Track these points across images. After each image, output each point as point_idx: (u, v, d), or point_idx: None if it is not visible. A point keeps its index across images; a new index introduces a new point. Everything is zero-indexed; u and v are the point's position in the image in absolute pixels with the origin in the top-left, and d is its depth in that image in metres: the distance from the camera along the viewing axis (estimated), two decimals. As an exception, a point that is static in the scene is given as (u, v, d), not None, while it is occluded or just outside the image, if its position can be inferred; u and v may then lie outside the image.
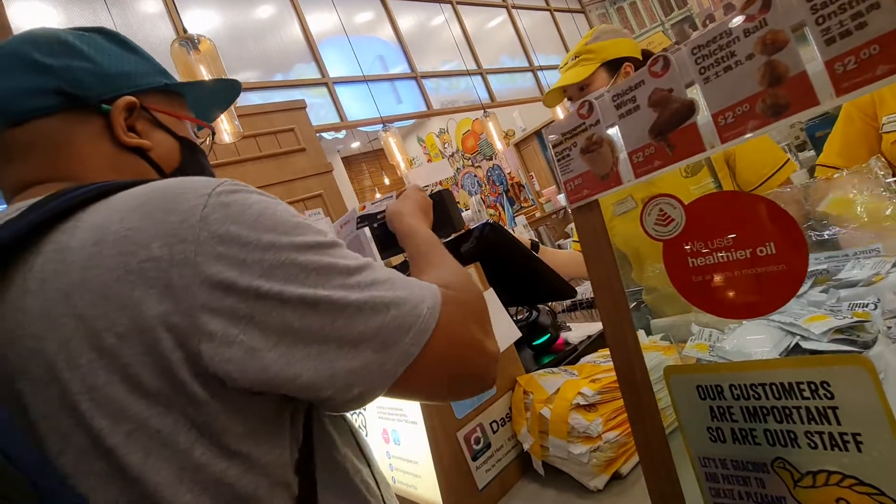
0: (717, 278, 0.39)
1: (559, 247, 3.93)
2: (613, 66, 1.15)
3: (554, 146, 0.48)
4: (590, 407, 0.74)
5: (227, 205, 0.37)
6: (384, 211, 0.79)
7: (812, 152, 1.83)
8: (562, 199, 5.19)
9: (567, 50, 5.72)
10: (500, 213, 7.86)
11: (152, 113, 0.52)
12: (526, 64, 5.12)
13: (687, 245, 0.41)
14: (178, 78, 1.75)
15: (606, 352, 0.95)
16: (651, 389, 0.43)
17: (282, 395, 0.39)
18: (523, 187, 7.48)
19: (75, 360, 0.34)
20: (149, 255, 0.35)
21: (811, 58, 0.31)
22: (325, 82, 3.42)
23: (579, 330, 1.14)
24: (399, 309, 0.40)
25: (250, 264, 0.36)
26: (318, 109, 3.40)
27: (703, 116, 0.37)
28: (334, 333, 0.37)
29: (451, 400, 0.71)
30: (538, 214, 6.09)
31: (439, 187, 8.89)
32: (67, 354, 0.34)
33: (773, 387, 0.36)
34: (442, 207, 0.97)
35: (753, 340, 0.41)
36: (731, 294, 0.38)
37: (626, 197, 1.31)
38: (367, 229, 1.12)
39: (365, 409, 1.02)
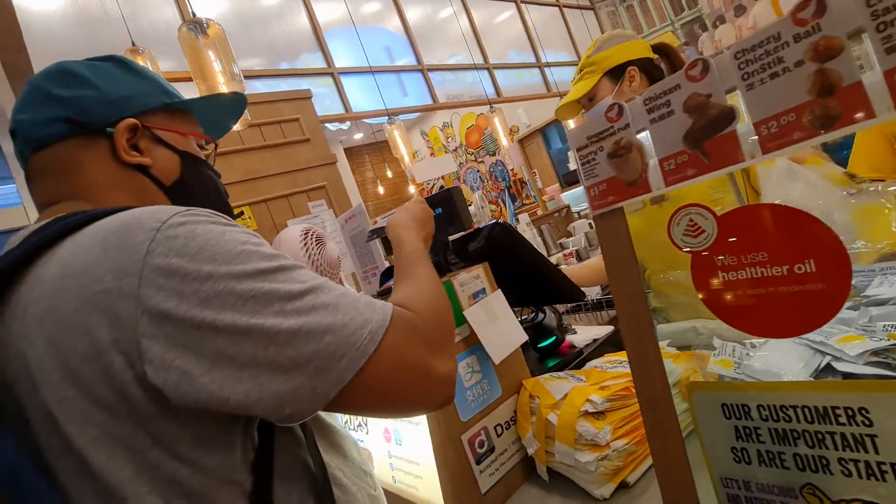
0: (750, 294, 0.37)
1: (561, 245, 3.91)
2: (617, 72, 1.18)
3: (578, 150, 0.47)
4: (598, 414, 0.73)
5: (172, 238, 0.41)
6: None
7: (849, 150, 1.80)
8: (565, 197, 5.16)
9: (575, 47, 5.68)
10: (501, 209, 7.83)
11: (153, 131, 0.57)
12: (533, 60, 5.07)
13: (718, 258, 0.39)
14: (187, 66, 1.72)
15: (613, 357, 0.94)
16: (672, 406, 0.42)
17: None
18: (526, 184, 7.44)
19: (48, 375, 0.39)
20: (101, 287, 0.39)
21: (868, 67, 0.29)
22: (331, 72, 3.38)
23: (585, 333, 1.12)
24: (335, 335, 0.42)
25: (187, 295, 0.39)
26: (323, 99, 3.37)
27: (744, 125, 0.35)
28: (266, 359, 0.40)
29: (401, 416, 0.74)
30: (540, 212, 6.07)
31: (441, 182, 8.82)
32: (42, 371, 0.39)
33: (806, 410, 0.35)
34: (450, 204, 0.95)
35: (783, 359, 0.40)
36: (764, 311, 0.37)
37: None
38: (370, 226, 1.11)
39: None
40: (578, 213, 4.81)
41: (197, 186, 0.61)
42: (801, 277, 0.34)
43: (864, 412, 0.32)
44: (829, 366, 0.39)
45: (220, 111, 0.70)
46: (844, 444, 0.33)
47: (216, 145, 0.67)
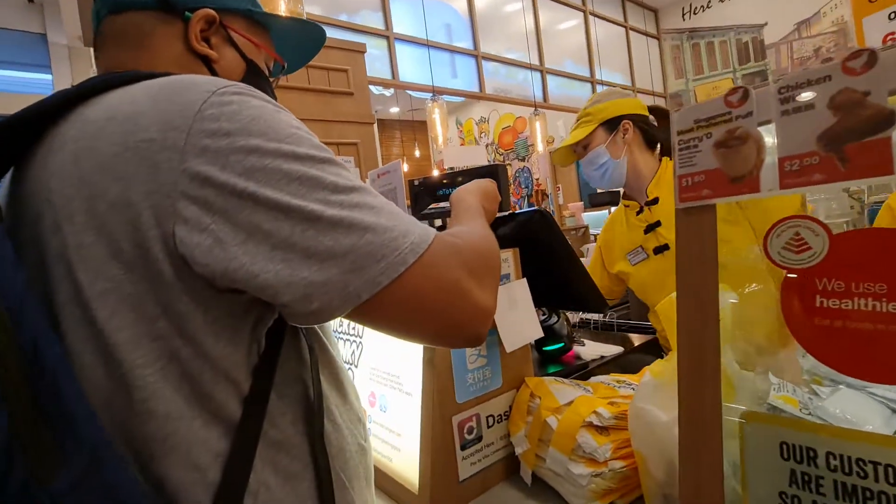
0: (854, 328, 0.33)
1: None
2: (612, 124, 1.26)
3: (679, 132, 0.42)
4: (603, 430, 0.68)
5: (226, 103, 0.39)
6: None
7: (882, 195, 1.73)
8: (586, 217, 5.09)
9: (632, 71, 5.59)
10: (518, 215, 7.76)
11: (229, 31, 0.56)
12: (588, 74, 4.99)
13: (820, 281, 0.34)
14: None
15: (621, 377, 0.89)
16: (720, 431, 0.38)
17: (250, 298, 0.40)
18: (547, 196, 7.37)
19: (72, 216, 0.38)
20: (146, 136, 0.37)
21: None
22: (388, 35, 3.32)
23: (594, 348, 1.08)
24: (376, 235, 0.40)
25: (232, 162, 0.37)
26: (374, 61, 3.31)
27: (903, 133, 0.30)
28: (302, 243, 0.38)
29: (430, 344, 0.68)
30: (556, 227, 6.00)
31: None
32: (68, 211, 0.38)
33: (891, 469, 0.30)
34: (495, 181, 0.90)
35: (857, 410, 0.36)
36: (868, 351, 0.32)
37: (638, 247, 1.28)
38: (404, 186, 1.06)
39: (356, 366, 0.97)
40: (595, 235, 4.74)
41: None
42: (926, 320, 0.30)
43: (966, 486, 0.28)
44: (911, 430, 0.34)
45: (297, 40, 0.69)
46: (930, 517, 0.29)
47: (284, 68, 0.67)
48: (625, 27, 5.45)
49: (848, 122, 0.32)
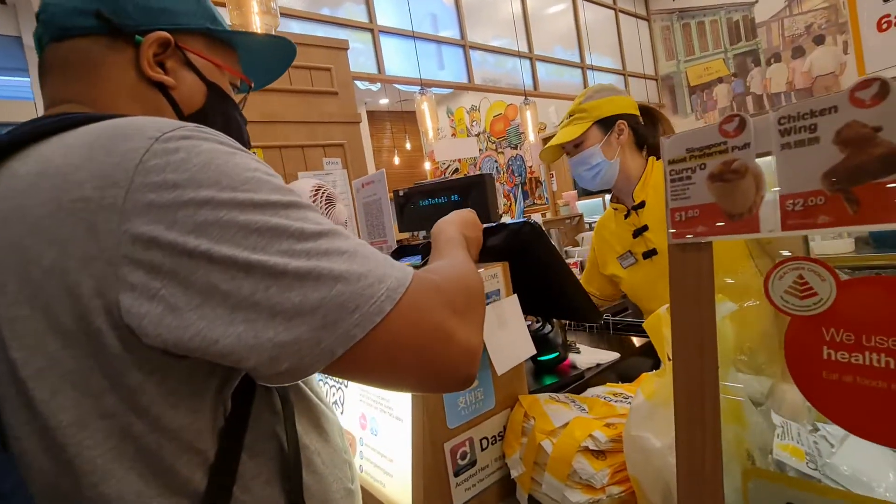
0: (863, 385, 0.30)
1: (566, 253, 3.83)
2: (607, 123, 1.20)
3: (671, 162, 0.38)
4: (599, 454, 0.66)
5: (171, 151, 0.35)
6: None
7: None
8: (580, 206, 5.07)
9: (622, 55, 5.50)
10: (511, 203, 7.73)
11: (186, 53, 0.52)
12: (578, 59, 4.92)
13: (827, 331, 0.31)
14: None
15: (618, 389, 0.87)
16: (721, 491, 0.35)
17: (211, 363, 0.37)
18: (541, 184, 7.33)
19: (4, 286, 0.34)
20: (81, 194, 0.34)
21: None
22: (372, 28, 3.24)
23: (589, 355, 1.06)
24: (349, 285, 0.36)
25: (181, 218, 0.34)
26: (358, 55, 3.23)
27: (917, 176, 0.27)
28: (265, 301, 0.34)
29: (417, 391, 0.66)
30: (549, 215, 5.98)
31: (457, 164, 8.71)
32: (1, 278, 0.34)
33: (907, 543, 0.28)
34: (480, 192, 0.87)
35: (868, 461, 0.33)
36: (878, 410, 0.29)
37: (627, 251, 1.25)
38: (390, 200, 1.02)
39: (346, 387, 0.95)
40: (590, 224, 4.72)
41: (218, 124, 0.55)
42: (946, 382, 0.27)
43: None
44: (927, 486, 0.32)
45: (265, 55, 0.64)
46: None
47: (251, 87, 0.62)
48: (614, 9, 5.35)
49: (857, 159, 0.29)
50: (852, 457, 0.34)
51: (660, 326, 0.61)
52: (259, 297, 0.34)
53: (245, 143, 0.60)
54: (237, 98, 0.60)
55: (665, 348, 0.60)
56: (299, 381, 0.50)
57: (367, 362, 0.38)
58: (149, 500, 0.35)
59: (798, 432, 0.39)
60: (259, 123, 1.85)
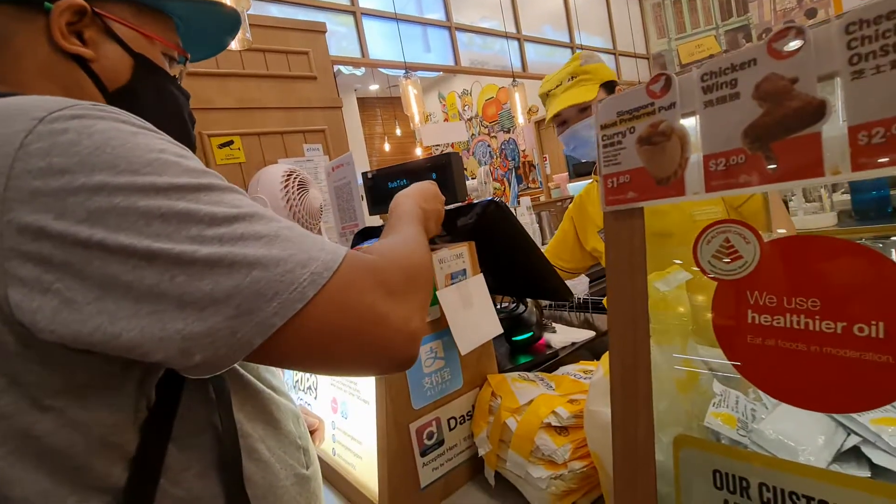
0: (785, 348, 0.29)
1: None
2: (609, 87, 1.14)
3: (603, 127, 0.37)
4: (561, 430, 0.66)
5: (59, 132, 0.32)
6: None
7: (847, 196, 1.72)
8: (571, 188, 5.04)
9: (613, 35, 5.42)
10: (505, 188, 7.70)
11: (106, 21, 0.47)
12: (567, 39, 4.84)
13: (751, 294, 0.31)
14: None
15: (587, 365, 0.87)
16: (653, 459, 0.35)
17: None
18: (534, 167, 7.29)
19: None
20: None
21: None
22: (353, 11, 3.17)
23: (564, 334, 1.05)
24: (266, 271, 0.34)
25: (71, 206, 0.31)
26: (340, 39, 3.17)
27: (834, 128, 0.26)
28: (173, 291, 0.32)
29: (355, 375, 0.63)
30: (542, 198, 5.95)
31: (450, 149, 8.69)
32: None
33: (823, 505, 0.27)
34: (446, 171, 0.86)
35: (799, 429, 0.33)
36: (798, 374, 0.29)
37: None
38: (360, 181, 1.01)
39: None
40: (581, 206, 4.70)
41: (150, 100, 0.51)
42: (861, 342, 0.26)
43: (903, 529, 0.25)
44: (855, 448, 0.31)
45: (205, 23, 0.59)
46: (865, 560, 0.26)
47: (186, 60, 0.57)
48: (604, -13, 5.26)
49: (775, 114, 0.28)
50: (783, 422, 0.34)
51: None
52: (165, 287, 0.32)
53: (186, 121, 0.56)
54: (174, 71, 0.55)
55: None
56: (239, 368, 0.48)
57: (292, 351, 0.36)
58: (63, 499, 0.33)
59: (736, 400, 0.38)
60: (235, 110, 1.82)
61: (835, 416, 0.34)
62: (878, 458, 0.29)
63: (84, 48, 0.45)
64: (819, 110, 0.26)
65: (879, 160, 0.24)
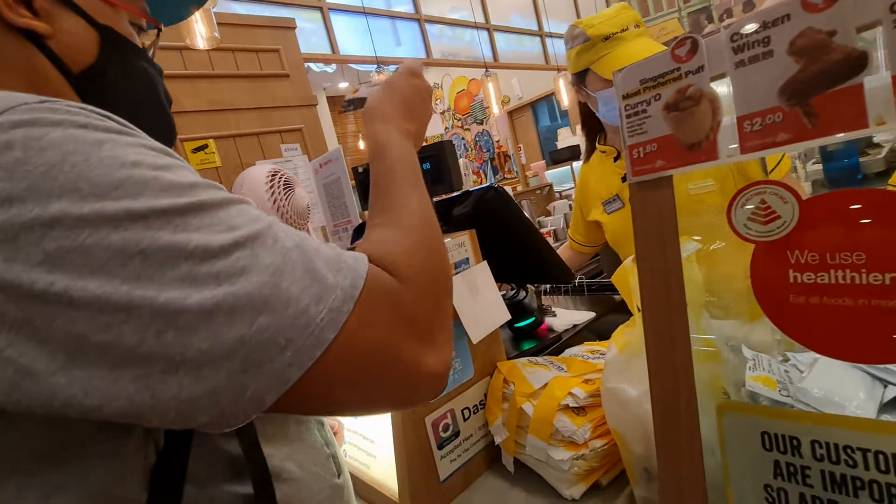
0: (830, 304, 0.29)
1: (539, 224, 3.85)
2: None
3: (625, 97, 0.37)
4: (579, 410, 0.66)
5: (4, 147, 0.24)
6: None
7: (818, 166, 1.78)
8: (549, 175, 5.09)
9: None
10: (482, 180, 7.71)
11: None
12: (536, 27, 4.86)
13: (792, 254, 0.30)
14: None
15: (595, 346, 0.87)
16: (697, 427, 0.34)
17: None
18: (510, 157, 7.33)
19: None
20: None
21: None
22: (320, 6, 3.10)
23: (565, 317, 1.06)
24: (275, 315, 0.27)
25: (24, 245, 0.24)
26: (309, 36, 3.09)
27: (876, 77, 0.26)
28: (161, 351, 0.25)
29: (371, 414, 0.57)
30: (520, 188, 5.99)
31: (423, 143, 8.66)
32: None
33: (881, 456, 0.28)
34: (441, 160, 0.84)
35: (839, 385, 0.33)
36: (844, 328, 0.29)
37: (615, 195, 1.23)
38: (348, 177, 0.98)
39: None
40: (560, 193, 4.75)
41: (122, 82, 0.44)
42: (911, 291, 0.26)
43: (964, 471, 0.25)
44: (894, 399, 0.32)
45: None
46: (926, 504, 0.26)
47: (160, 31, 0.50)
48: (568, -26, 5.29)
49: (813, 68, 0.28)
50: (822, 380, 0.34)
51: (627, 278, 0.60)
52: (150, 347, 0.25)
53: (163, 101, 0.49)
54: (145, 42, 0.47)
55: (634, 299, 0.60)
56: None
57: (311, 401, 0.30)
58: None
59: (769, 363, 0.39)
60: (208, 112, 1.76)
61: (871, 370, 0.34)
62: (924, 405, 0.30)
63: (36, 21, 0.37)
64: (860, 61, 0.26)
65: (928, 106, 0.24)
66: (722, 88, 0.32)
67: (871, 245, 0.28)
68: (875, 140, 1.79)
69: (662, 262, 0.36)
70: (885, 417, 0.31)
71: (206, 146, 1.77)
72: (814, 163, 1.86)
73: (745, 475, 0.33)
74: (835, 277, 0.29)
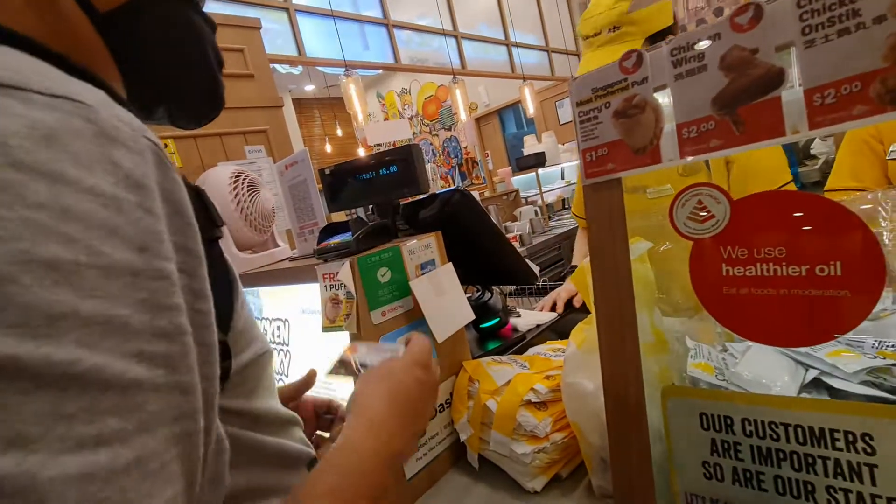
0: (756, 295, 0.32)
1: (506, 229, 3.91)
2: (658, 37, 0.90)
3: (579, 104, 0.39)
4: (541, 405, 0.68)
5: None
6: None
7: (796, 168, 1.91)
8: (515, 181, 5.18)
9: (545, 32, 5.63)
10: (449, 185, 7.77)
11: None
12: (502, 37, 4.96)
13: (724, 249, 0.34)
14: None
15: (557, 345, 0.90)
16: (644, 412, 0.37)
17: None
18: (477, 163, 7.42)
19: None
20: None
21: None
22: (287, 7, 3.06)
23: (529, 317, 1.09)
24: None
25: None
26: (274, 37, 3.04)
27: (791, 92, 0.29)
28: None
29: None
30: (488, 193, 6.08)
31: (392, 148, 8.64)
32: None
33: (799, 429, 0.31)
34: (408, 164, 0.85)
35: (768, 369, 0.36)
36: (768, 315, 0.32)
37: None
38: (314, 177, 0.98)
39: (286, 376, 0.91)
40: (526, 199, 4.85)
41: (159, 28, 0.34)
42: (823, 281, 0.30)
43: (867, 438, 0.28)
44: (816, 380, 0.36)
45: None
46: (837, 471, 0.30)
47: None
48: (533, -14, 5.45)
49: (740, 82, 0.31)
50: (752, 365, 0.38)
51: (584, 278, 0.63)
52: None
53: (207, 62, 0.39)
54: None
55: (591, 298, 0.63)
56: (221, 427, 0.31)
57: None
58: None
59: (709, 352, 0.42)
60: (167, 111, 1.70)
61: (795, 355, 0.38)
62: (837, 384, 0.34)
63: None
64: (779, 77, 0.29)
65: (832, 117, 0.27)
66: (664, 98, 0.35)
67: (790, 241, 0.31)
68: (812, 152, 1.93)
69: (612, 259, 0.38)
70: (804, 395, 0.35)
71: (165, 146, 1.72)
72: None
73: (686, 454, 0.36)
74: (760, 270, 0.32)
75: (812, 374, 0.36)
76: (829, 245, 0.29)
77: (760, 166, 0.95)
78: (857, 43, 0.26)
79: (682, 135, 0.34)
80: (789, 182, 0.92)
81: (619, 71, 0.36)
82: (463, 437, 0.75)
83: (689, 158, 0.33)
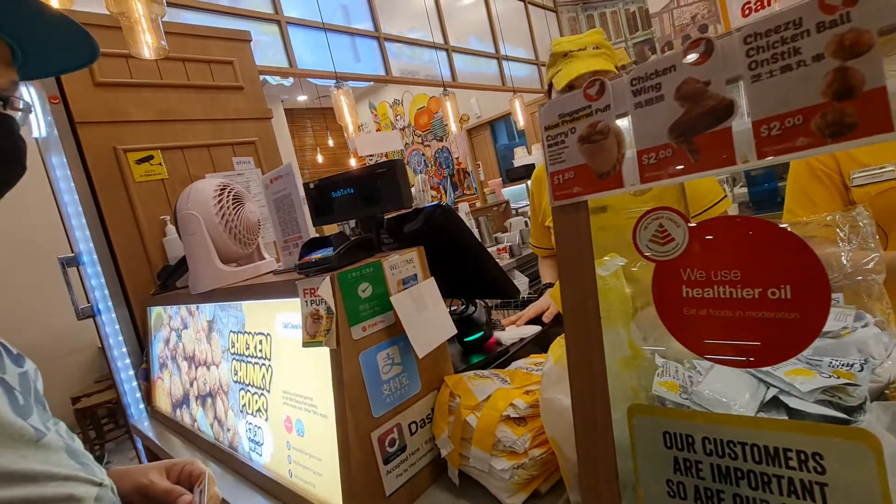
0: (714, 315, 0.33)
1: (496, 239, 3.93)
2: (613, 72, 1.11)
3: (546, 129, 0.40)
4: (520, 420, 0.69)
5: None
6: None
7: (745, 189, 1.96)
8: (506, 192, 5.22)
9: (534, 46, 5.71)
10: (441, 196, 7.80)
11: None
12: (493, 50, 5.03)
13: (684, 271, 0.35)
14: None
15: (539, 359, 0.91)
16: (611, 432, 0.38)
17: None
18: (469, 174, 7.46)
19: None
20: None
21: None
22: (278, 20, 3.08)
23: (512, 331, 1.09)
24: None
25: None
26: (265, 49, 3.06)
27: (741, 123, 0.30)
28: None
29: None
30: (479, 204, 6.11)
31: (384, 159, 8.67)
32: None
33: (755, 449, 0.32)
34: (391, 178, 0.86)
35: (729, 388, 0.37)
36: (725, 336, 0.33)
37: None
38: (301, 192, 0.98)
39: (268, 391, 0.90)
40: (516, 210, 4.88)
41: None
42: (774, 303, 0.31)
43: (817, 458, 0.29)
44: (775, 399, 0.36)
45: (41, 36, 0.46)
46: (791, 489, 0.30)
47: (29, 109, 0.46)
48: (523, 2, 5.54)
49: (693, 112, 0.32)
50: (715, 383, 0.38)
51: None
52: None
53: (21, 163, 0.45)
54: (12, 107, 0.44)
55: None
56: None
57: None
58: None
59: (675, 369, 0.43)
60: (154, 122, 1.69)
61: (756, 373, 0.39)
62: (794, 403, 0.35)
63: None
64: (729, 108, 0.30)
65: (778, 148, 0.29)
66: (626, 125, 0.36)
67: (744, 264, 0.32)
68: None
69: (579, 277, 0.39)
70: (762, 415, 0.36)
71: (151, 157, 1.71)
72: (741, 186, 2.04)
73: (651, 471, 0.37)
74: (717, 292, 0.33)
75: (772, 392, 0.37)
76: (779, 269, 0.31)
77: (699, 184, 1.01)
78: (798, 79, 0.28)
79: (642, 161, 0.35)
80: (724, 197, 0.98)
81: (584, 98, 0.37)
82: (444, 453, 0.75)
83: (651, 184, 0.35)
